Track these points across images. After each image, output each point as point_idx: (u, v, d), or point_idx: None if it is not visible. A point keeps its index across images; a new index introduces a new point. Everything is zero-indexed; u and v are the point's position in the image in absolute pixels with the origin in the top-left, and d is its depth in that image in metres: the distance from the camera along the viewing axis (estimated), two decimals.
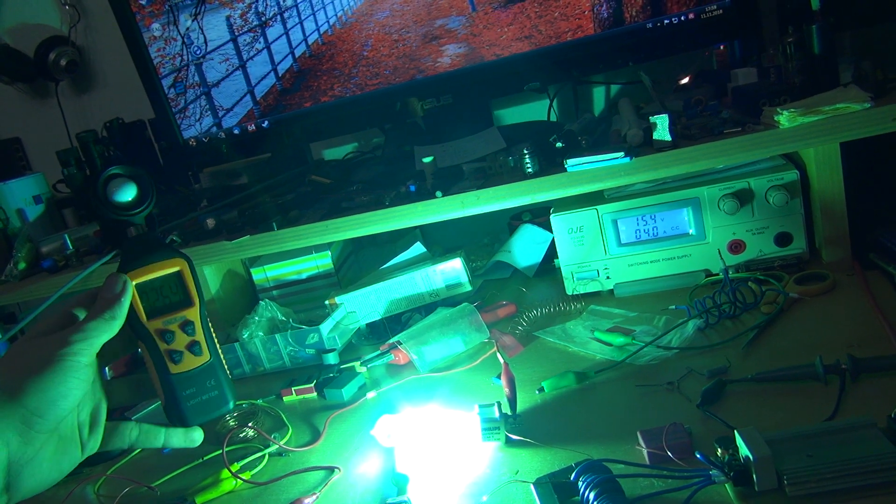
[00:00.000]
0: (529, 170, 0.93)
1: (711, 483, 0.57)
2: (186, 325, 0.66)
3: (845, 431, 0.58)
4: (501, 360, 0.79)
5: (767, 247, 0.94)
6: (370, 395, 0.89)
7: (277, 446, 0.81)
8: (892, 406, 0.60)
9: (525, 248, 1.14)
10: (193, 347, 0.66)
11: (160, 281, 0.66)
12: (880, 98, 0.84)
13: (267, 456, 0.80)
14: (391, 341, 0.98)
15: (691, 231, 0.96)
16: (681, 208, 0.96)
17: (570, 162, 0.90)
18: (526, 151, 0.93)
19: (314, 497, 0.69)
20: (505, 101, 1.41)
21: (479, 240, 1.31)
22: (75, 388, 0.57)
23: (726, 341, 0.81)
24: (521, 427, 0.72)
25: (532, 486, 0.61)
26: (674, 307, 0.91)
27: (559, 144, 0.96)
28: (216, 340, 0.68)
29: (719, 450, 0.60)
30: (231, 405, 0.68)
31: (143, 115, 1.42)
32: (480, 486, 0.66)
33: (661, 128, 0.89)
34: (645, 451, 0.64)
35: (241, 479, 0.75)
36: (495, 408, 0.72)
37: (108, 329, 0.60)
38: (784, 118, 0.84)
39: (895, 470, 0.54)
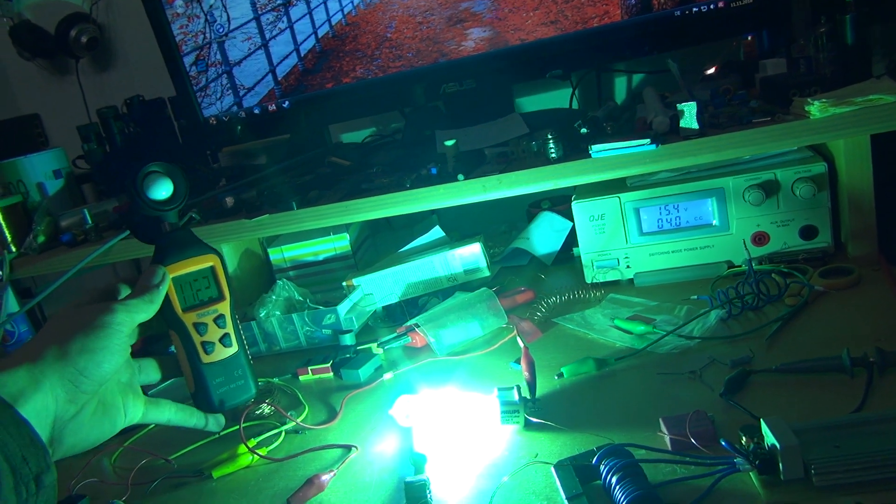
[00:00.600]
0: (553, 155, 0.92)
1: (736, 471, 0.57)
2: (219, 319, 0.72)
3: (874, 423, 0.57)
4: (521, 345, 0.78)
5: (792, 239, 0.93)
6: (387, 376, 0.89)
7: (294, 423, 0.81)
8: None
9: (544, 235, 1.14)
10: (224, 339, 0.72)
11: (195, 275, 0.71)
12: None
13: (283, 433, 0.80)
14: (409, 324, 0.97)
15: (715, 222, 0.95)
16: (705, 198, 0.94)
17: (594, 148, 0.89)
18: (550, 136, 0.92)
19: (332, 474, 0.69)
20: (527, 87, 1.40)
21: (497, 227, 1.30)
22: (117, 353, 0.62)
23: (749, 332, 0.80)
24: (540, 411, 0.71)
25: (553, 469, 0.61)
26: (696, 297, 0.90)
27: (584, 130, 0.95)
28: (241, 332, 0.74)
29: (744, 438, 0.59)
30: (254, 392, 0.74)
31: (162, 94, 1.42)
32: (499, 468, 0.65)
33: (689, 116, 0.88)
34: (667, 438, 0.63)
35: (257, 454, 0.75)
36: (514, 391, 0.72)
37: (147, 310, 0.66)
38: (815, 108, 0.83)
39: None
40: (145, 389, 0.71)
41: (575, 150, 0.95)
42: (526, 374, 0.75)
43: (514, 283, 1.09)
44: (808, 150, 0.94)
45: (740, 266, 0.94)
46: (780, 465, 0.55)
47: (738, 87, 1.03)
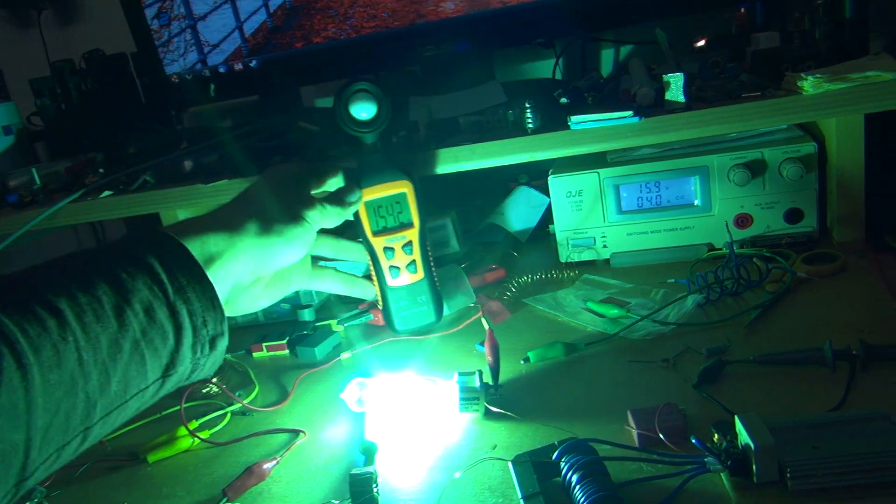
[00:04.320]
0: (530, 125, 0.86)
1: (706, 471, 0.52)
2: (406, 245, 0.74)
3: (855, 423, 0.53)
4: (486, 326, 0.73)
5: (776, 223, 0.88)
6: (344, 355, 0.84)
7: (241, 405, 0.76)
8: None
9: (520, 211, 1.08)
10: (410, 266, 0.75)
11: (388, 200, 0.73)
12: None
13: (229, 414, 0.75)
14: (371, 299, 0.92)
15: (697, 202, 0.90)
16: (688, 177, 0.90)
17: (574, 119, 0.83)
18: (527, 106, 0.86)
19: (274, 462, 0.64)
20: (510, 56, 1.33)
21: (473, 202, 1.24)
22: (306, 246, 0.66)
23: (727, 319, 0.76)
24: (502, 399, 0.67)
25: (510, 464, 0.56)
26: (673, 281, 0.85)
27: (564, 100, 0.90)
28: (431, 259, 0.76)
29: (716, 435, 0.55)
30: (435, 319, 0.77)
31: (126, 49, 1.34)
32: (454, 460, 0.61)
33: (675, 87, 0.82)
34: (635, 433, 0.59)
35: (198, 437, 0.70)
36: (476, 377, 0.67)
37: (335, 221, 0.68)
38: (808, 84, 0.78)
39: None
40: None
41: (554, 121, 0.89)
42: (489, 358, 0.70)
43: (486, 260, 1.04)
44: (798, 130, 0.89)
45: (721, 249, 0.89)
46: (754, 466, 0.50)
47: (728, 60, 0.97)
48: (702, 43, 1.10)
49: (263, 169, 0.98)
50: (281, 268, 0.65)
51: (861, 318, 0.71)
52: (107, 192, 1.01)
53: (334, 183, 0.71)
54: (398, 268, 0.74)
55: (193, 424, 0.72)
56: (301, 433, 0.69)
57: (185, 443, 0.70)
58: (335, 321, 0.91)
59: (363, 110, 0.70)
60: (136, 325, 0.48)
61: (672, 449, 0.56)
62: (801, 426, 0.53)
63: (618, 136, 0.82)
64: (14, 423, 0.41)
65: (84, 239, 1.60)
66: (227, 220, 0.60)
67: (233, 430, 0.73)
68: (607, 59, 1.33)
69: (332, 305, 0.98)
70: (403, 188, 0.73)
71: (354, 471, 0.57)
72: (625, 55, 1.30)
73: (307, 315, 0.93)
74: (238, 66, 1.17)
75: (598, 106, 0.87)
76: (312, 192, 0.68)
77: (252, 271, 0.62)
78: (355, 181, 0.72)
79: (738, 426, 0.53)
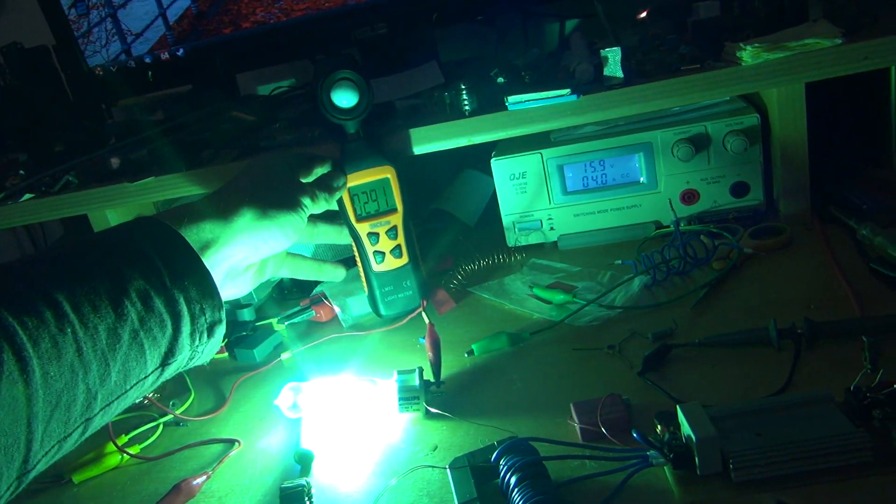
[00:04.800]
0: (467, 108, 0.83)
1: (649, 465, 0.50)
2: (390, 230, 0.76)
3: (799, 406, 0.52)
4: (426, 321, 0.70)
5: (722, 197, 0.87)
6: (285, 356, 0.80)
7: (172, 415, 0.72)
8: (850, 376, 0.54)
9: (467, 195, 1.05)
10: (395, 250, 0.76)
11: (371, 185, 0.75)
12: (852, 35, 0.76)
13: (161, 426, 0.72)
14: (315, 293, 0.89)
15: (642, 179, 0.88)
16: (632, 154, 0.87)
17: (511, 99, 0.80)
18: (463, 87, 0.83)
19: (205, 477, 0.60)
20: (451, 34, 1.29)
21: (419, 188, 1.21)
22: (295, 233, 0.66)
23: (674, 300, 0.74)
24: (443, 397, 0.64)
25: (448, 470, 0.54)
26: (620, 262, 0.83)
27: (500, 80, 0.87)
28: (416, 244, 0.78)
29: (659, 427, 0.53)
30: (418, 303, 0.78)
31: (47, 42, 1.26)
32: (393, 465, 0.58)
33: (613, 63, 0.79)
34: (577, 427, 0.57)
35: (127, 453, 0.66)
36: (416, 374, 0.64)
37: (323, 206, 0.70)
38: (747, 55, 0.75)
39: (853, 452, 0.47)
40: None
41: (492, 102, 0.86)
42: (430, 354, 0.68)
43: (432, 247, 1.00)
44: (740, 101, 0.87)
45: (669, 227, 0.87)
46: (696, 458, 0.49)
47: (669, 31, 0.95)
48: (644, 14, 1.07)
49: (193, 164, 0.94)
50: (272, 254, 0.66)
51: (808, 291, 0.70)
52: (28, 196, 0.95)
53: (321, 171, 0.73)
54: (383, 253, 0.76)
55: (123, 440, 0.68)
56: (236, 443, 0.66)
57: (114, 459, 0.66)
58: (276, 320, 0.87)
59: (345, 98, 0.71)
60: (133, 315, 0.48)
61: (614, 443, 0.54)
62: (744, 413, 0.52)
63: (557, 115, 0.79)
64: (15, 416, 0.40)
65: (23, 241, 1.54)
66: (222, 207, 0.60)
67: (166, 443, 0.69)
68: (552, 35, 1.29)
69: (270, 304, 0.94)
70: (386, 174, 0.75)
71: (286, 484, 0.54)
72: (570, 30, 1.27)
73: (246, 315, 0.89)
74: (165, 56, 1.11)
75: (536, 85, 0.84)
76: (302, 179, 0.70)
77: (245, 258, 0.62)
78: (340, 167, 0.73)
79: (681, 417, 0.51)
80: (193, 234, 0.57)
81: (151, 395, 0.75)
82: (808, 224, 0.83)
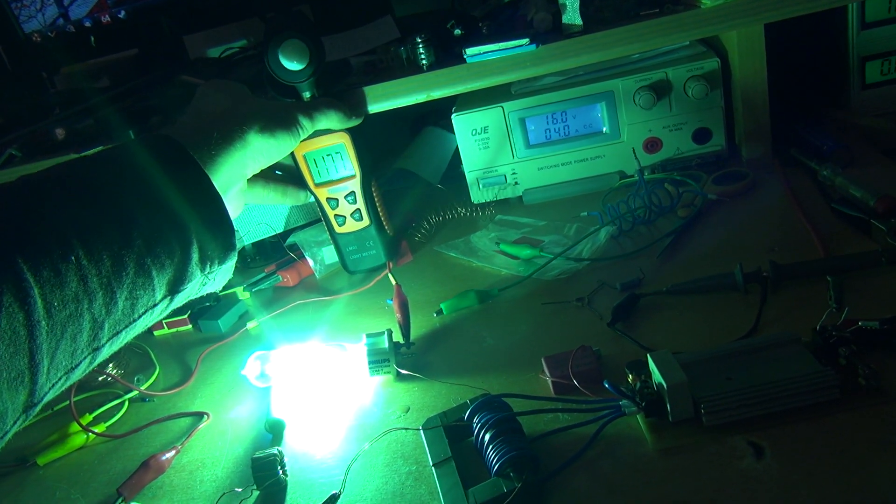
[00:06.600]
0: (424, 62, 0.81)
1: (622, 415, 0.51)
2: (349, 195, 0.77)
3: (767, 349, 0.52)
4: (393, 281, 0.69)
5: (685, 144, 0.86)
6: (251, 325, 0.79)
7: (137, 391, 0.70)
8: (816, 316, 0.54)
9: (429, 153, 1.03)
10: (355, 214, 0.78)
11: (326, 151, 0.75)
12: None
13: (127, 402, 0.70)
14: (288, 243, 0.87)
15: (605, 129, 0.87)
16: (594, 104, 0.86)
17: (469, 51, 0.78)
18: (419, 40, 0.81)
19: (174, 451, 0.59)
20: None
21: (381, 147, 1.18)
22: (287, 149, 0.65)
23: (641, 250, 0.74)
24: (414, 358, 0.63)
25: (421, 431, 0.53)
26: (585, 214, 0.83)
27: (457, 32, 0.84)
28: (378, 207, 0.80)
29: (630, 376, 0.53)
30: (384, 260, 0.80)
31: None
32: (365, 430, 0.58)
33: (571, 10, 0.77)
34: (549, 381, 0.56)
35: (92, 431, 0.65)
36: (385, 337, 0.63)
37: (292, 146, 0.67)
38: None
39: (821, 391, 0.48)
40: None
41: (449, 55, 0.83)
42: (398, 315, 0.67)
43: (397, 207, 0.99)
44: (700, 46, 0.86)
45: (633, 176, 0.87)
46: (668, 405, 0.49)
47: None
48: None
49: (142, 131, 0.90)
50: (255, 172, 0.64)
51: (772, 234, 0.71)
52: None
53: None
54: (343, 216, 0.78)
55: (87, 419, 0.67)
56: (205, 416, 0.64)
57: (79, 439, 0.65)
58: (241, 288, 0.85)
59: (294, 59, 0.69)
60: (140, 242, 0.45)
61: (587, 395, 0.54)
62: (713, 358, 0.52)
63: (516, 66, 0.77)
64: (16, 348, 0.39)
65: None
66: (225, 123, 0.58)
67: (133, 420, 0.68)
68: None
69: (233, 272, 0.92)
70: (341, 139, 0.74)
71: (257, 454, 0.53)
72: None
73: None
74: (106, 19, 1.06)
75: (493, 36, 0.82)
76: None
77: (241, 175, 0.61)
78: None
79: (651, 365, 0.51)
80: (205, 154, 0.54)
81: (115, 371, 0.73)
82: (770, 168, 0.83)
